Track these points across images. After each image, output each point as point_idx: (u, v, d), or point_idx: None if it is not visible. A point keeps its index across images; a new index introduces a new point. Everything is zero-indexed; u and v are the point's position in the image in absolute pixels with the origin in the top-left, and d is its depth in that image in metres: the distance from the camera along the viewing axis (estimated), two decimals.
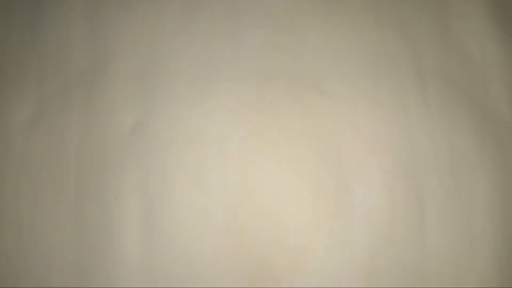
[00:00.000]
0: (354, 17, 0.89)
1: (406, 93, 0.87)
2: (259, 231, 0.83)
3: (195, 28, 0.89)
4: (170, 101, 0.87)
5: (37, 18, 0.90)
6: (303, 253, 0.83)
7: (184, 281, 0.82)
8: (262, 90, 0.87)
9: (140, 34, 0.89)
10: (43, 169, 0.85)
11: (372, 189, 0.84)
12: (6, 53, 0.89)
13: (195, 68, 0.88)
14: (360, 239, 0.83)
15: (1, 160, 0.86)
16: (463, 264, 0.82)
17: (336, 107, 0.86)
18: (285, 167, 0.85)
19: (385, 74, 0.87)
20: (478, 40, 0.88)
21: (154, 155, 0.85)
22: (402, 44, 0.88)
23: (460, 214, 0.83)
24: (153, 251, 0.83)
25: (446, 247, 0.83)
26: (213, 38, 0.88)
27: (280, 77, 0.87)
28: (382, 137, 0.86)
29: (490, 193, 0.84)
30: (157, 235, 0.83)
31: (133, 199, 0.84)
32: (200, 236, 0.83)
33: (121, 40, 0.89)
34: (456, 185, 0.84)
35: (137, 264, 0.82)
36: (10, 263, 0.83)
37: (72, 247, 0.83)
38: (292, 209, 0.84)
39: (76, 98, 0.87)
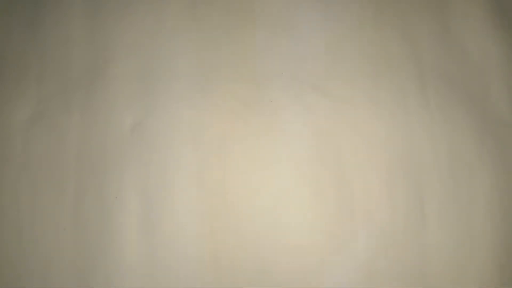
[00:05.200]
0: (354, 17, 0.89)
1: (406, 93, 0.87)
2: (259, 231, 0.83)
3: (195, 28, 0.89)
4: (170, 101, 0.87)
5: (37, 18, 0.90)
6: (303, 253, 0.83)
7: (184, 281, 0.82)
8: (262, 90, 0.87)
9: (140, 34, 0.89)
10: (43, 169, 0.85)
11: (372, 189, 0.84)
12: (6, 53, 0.89)
13: (195, 68, 0.88)
14: (360, 239, 0.83)
15: (1, 160, 0.86)
16: (463, 264, 0.82)
17: (336, 107, 0.86)
18: (285, 167, 0.85)
19: (385, 74, 0.87)
20: (478, 40, 0.88)
21: (154, 155, 0.85)
22: (402, 44, 0.88)
23: (460, 214, 0.83)
24: (153, 251, 0.83)
25: (446, 247, 0.83)
26: (213, 38, 0.89)
27: (280, 77, 0.87)
28: (382, 137, 0.86)
29: (490, 193, 0.84)
30: (157, 235, 0.83)
31: (133, 199, 0.84)
32: (200, 236, 0.83)
33: (121, 40, 0.89)
34: (456, 185, 0.84)
35: (137, 264, 0.82)
36: (10, 263, 0.83)
37: (72, 247, 0.83)
38: (292, 209, 0.84)
39: (76, 98, 0.87)
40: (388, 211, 0.83)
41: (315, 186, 0.84)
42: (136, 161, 0.85)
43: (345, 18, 0.89)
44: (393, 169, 0.85)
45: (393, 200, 0.84)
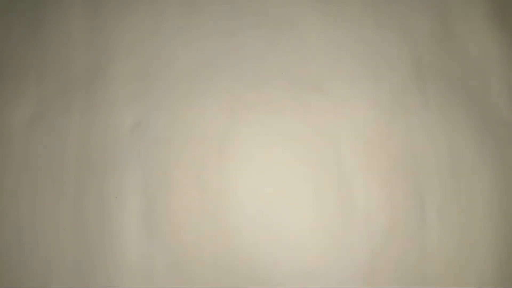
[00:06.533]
0: (354, 17, 0.89)
1: (406, 93, 0.87)
2: (259, 231, 0.83)
3: (195, 28, 0.89)
4: (170, 101, 0.87)
5: (37, 18, 0.90)
6: (303, 253, 0.83)
7: (184, 281, 0.82)
8: (262, 90, 0.87)
9: (140, 34, 0.89)
10: (43, 169, 0.85)
11: (372, 189, 0.84)
12: (6, 53, 0.89)
13: (195, 68, 0.88)
14: (360, 239, 0.83)
15: (1, 160, 0.86)
16: (463, 264, 0.82)
17: (336, 107, 0.86)
18: (285, 167, 0.85)
19: (385, 74, 0.87)
20: (478, 40, 0.88)
21: (154, 155, 0.85)
22: (402, 44, 0.88)
23: (460, 214, 0.83)
24: (153, 251, 0.83)
25: (446, 247, 0.83)
26: (213, 38, 0.88)
27: (280, 77, 0.87)
28: (382, 137, 0.86)
29: (490, 193, 0.84)
30: (157, 235, 0.83)
31: (133, 199, 0.84)
32: (200, 236, 0.83)
33: (121, 40, 0.89)
34: (456, 185, 0.84)
35: (137, 264, 0.82)
36: (10, 263, 0.83)
37: (72, 247, 0.83)
38: (292, 209, 0.84)
39: (76, 98, 0.87)
40: (388, 211, 0.83)
41: (315, 186, 0.84)
42: (136, 161, 0.85)
43: (345, 18, 0.89)
44: (393, 169, 0.85)
45: (393, 200, 0.84)
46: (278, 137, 0.86)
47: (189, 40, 0.88)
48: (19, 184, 0.85)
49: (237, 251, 0.82)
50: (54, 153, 0.86)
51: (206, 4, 0.90)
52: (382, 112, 0.86)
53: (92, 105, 0.87)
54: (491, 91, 0.87)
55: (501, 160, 0.85)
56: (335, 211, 0.84)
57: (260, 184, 0.84)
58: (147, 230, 0.83)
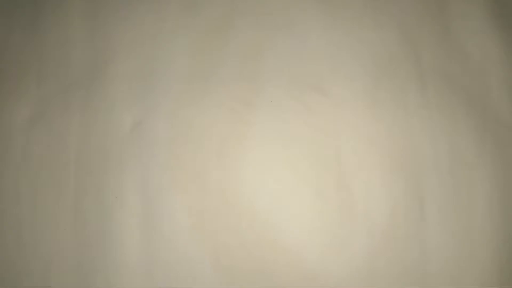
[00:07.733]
0: (354, 17, 0.89)
1: (406, 93, 0.87)
2: (259, 231, 0.83)
3: (195, 28, 0.89)
4: (170, 101, 0.87)
5: (37, 18, 0.90)
6: (303, 253, 0.83)
7: (184, 281, 0.82)
8: (262, 90, 0.87)
9: (140, 34, 0.89)
10: (43, 169, 0.85)
11: (372, 189, 0.84)
12: (6, 53, 0.89)
13: (195, 68, 0.88)
14: (360, 239, 0.83)
15: (1, 160, 0.86)
16: (463, 264, 0.82)
17: (336, 107, 0.86)
18: (285, 167, 0.85)
19: (385, 74, 0.87)
20: (478, 40, 0.89)
21: (154, 155, 0.85)
22: (402, 44, 0.88)
23: (460, 214, 0.83)
24: (153, 251, 0.83)
25: (446, 247, 0.83)
26: (213, 38, 0.89)
27: (280, 77, 0.87)
28: (382, 137, 0.86)
29: (490, 193, 0.84)
30: (157, 235, 0.83)
31: (133, 199, 0.84)
32: (200, 236, 0.83)
33: (121, 40, 0.89)
34: (456, 185, 0.84)
35: (137, 264, 0.82)
36: (10, 263, 0.83)
37: (72, 247, 0.83)
38: (292, 209, 0.84)
39: (76, 98, 0.87)
40: (388, 211, 0.83)
41: (315, 186, 0.84)
42: (136, 161, 0.85)
43: (345, 18, 0.89)
44: (393, 169, 0.85)
45: (393, 200, 0.84)
46: (278, 137, 0.86)
47: (189, 40, 0.88)
48: (19, 184, 0.85)
49: (237, 251, 0.82)
50: (54, 153, 0.86)
51: (206, 4, 0.90)
52: (382, 111, 0.86)
53: (92, 105, 0.87)
54: (491, 91, 0.87)
55: (501, 160, 0.85)
56: (335, 211, 0.84)
57: (260, 184, 0.84)
58: (147, 230, 0.83)
